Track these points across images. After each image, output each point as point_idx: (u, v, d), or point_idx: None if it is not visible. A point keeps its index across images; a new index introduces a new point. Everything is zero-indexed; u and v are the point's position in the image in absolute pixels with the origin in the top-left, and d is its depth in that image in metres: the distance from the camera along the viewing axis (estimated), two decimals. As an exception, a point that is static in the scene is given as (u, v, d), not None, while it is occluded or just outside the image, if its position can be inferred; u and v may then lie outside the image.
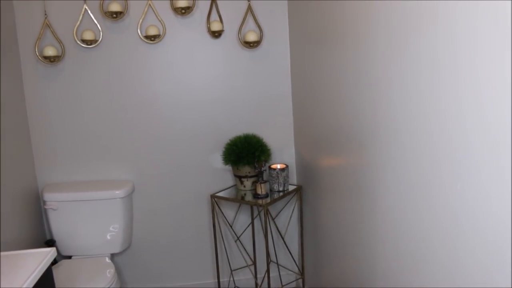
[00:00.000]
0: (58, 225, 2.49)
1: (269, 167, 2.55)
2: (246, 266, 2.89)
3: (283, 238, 2.82)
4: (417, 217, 1.26)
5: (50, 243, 2.47)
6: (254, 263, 2.86)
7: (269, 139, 2.73)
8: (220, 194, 2.57)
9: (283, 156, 2.77)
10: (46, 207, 2.46)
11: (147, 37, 2.52)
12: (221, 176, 2.76)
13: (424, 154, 1.19)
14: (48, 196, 2.46)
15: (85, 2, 2.47)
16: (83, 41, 2.48)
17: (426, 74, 1.15)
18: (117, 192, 2.49)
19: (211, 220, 2.79)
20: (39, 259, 1.54)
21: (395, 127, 1.36)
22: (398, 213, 1.39)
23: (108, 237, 2.52)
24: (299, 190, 2.63)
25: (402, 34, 1.26)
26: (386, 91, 1.40)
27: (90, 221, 2.50)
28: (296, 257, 2.87)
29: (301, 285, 2.76)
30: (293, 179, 2.78)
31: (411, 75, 1.23)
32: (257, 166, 2.47)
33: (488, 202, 0.94)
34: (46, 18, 2.46)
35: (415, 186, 1.25)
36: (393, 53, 1.33)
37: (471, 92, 0.97)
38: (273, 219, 2.75)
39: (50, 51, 2.43)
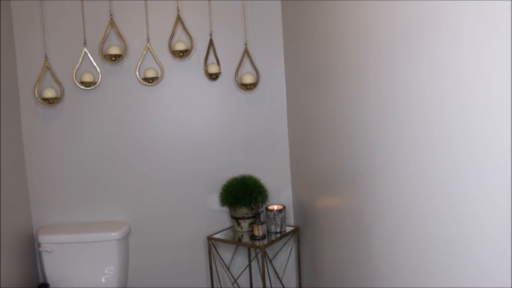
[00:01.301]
0: (52, 268, 2.45)
1: (266, 208, 2.53)
2: (243, 309, 2.84)
3: (281, 281, 2.77)
4: (417, 259, 1.25)
5: (43, 287, 2.42)
6: (252, 306, 2.81)
7: (266, 180, 2.72)
8: (217, 236, 2.55)
9: (280, 197, 2.76)
10: (40, 249, 2.43)
11: (145, 79, 2.56)
12: (218, 218, 2.74)
13: (419, 194, 1.20)
14: (43, 238, 2.43)
15: (85, 45, 2.52)
16: (82, 83, 2.51)
17: (416, 114, 1.17)
18: (113, 234, 2.46)
19: (208, 262, 2.75)
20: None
21: (390, 168, 1.37)
22: (397, 255, 1.38)
23: (103, 280, 2.48)
24: (296, 231, 2.61)
25: (392, 74, 1.29)
26: (380, 131, 1.41)
27: (85, 263, 2.46)
28: (294, 300, 2.82)
29: (299, 329, 2.70)
30: (291, 220, 2.75)
31: (402, 114, 1.25)
32: (254, 207, 2.45)
33: (492, 244, 0.94)
34: (46, 60, 2.50)
35: (414, 228, 1.25)
36: (383, 94, 1.35)
37: (462, 134, 0.98)
38: (270, 261, 2.71)
39: (49, 93, 2.46)
